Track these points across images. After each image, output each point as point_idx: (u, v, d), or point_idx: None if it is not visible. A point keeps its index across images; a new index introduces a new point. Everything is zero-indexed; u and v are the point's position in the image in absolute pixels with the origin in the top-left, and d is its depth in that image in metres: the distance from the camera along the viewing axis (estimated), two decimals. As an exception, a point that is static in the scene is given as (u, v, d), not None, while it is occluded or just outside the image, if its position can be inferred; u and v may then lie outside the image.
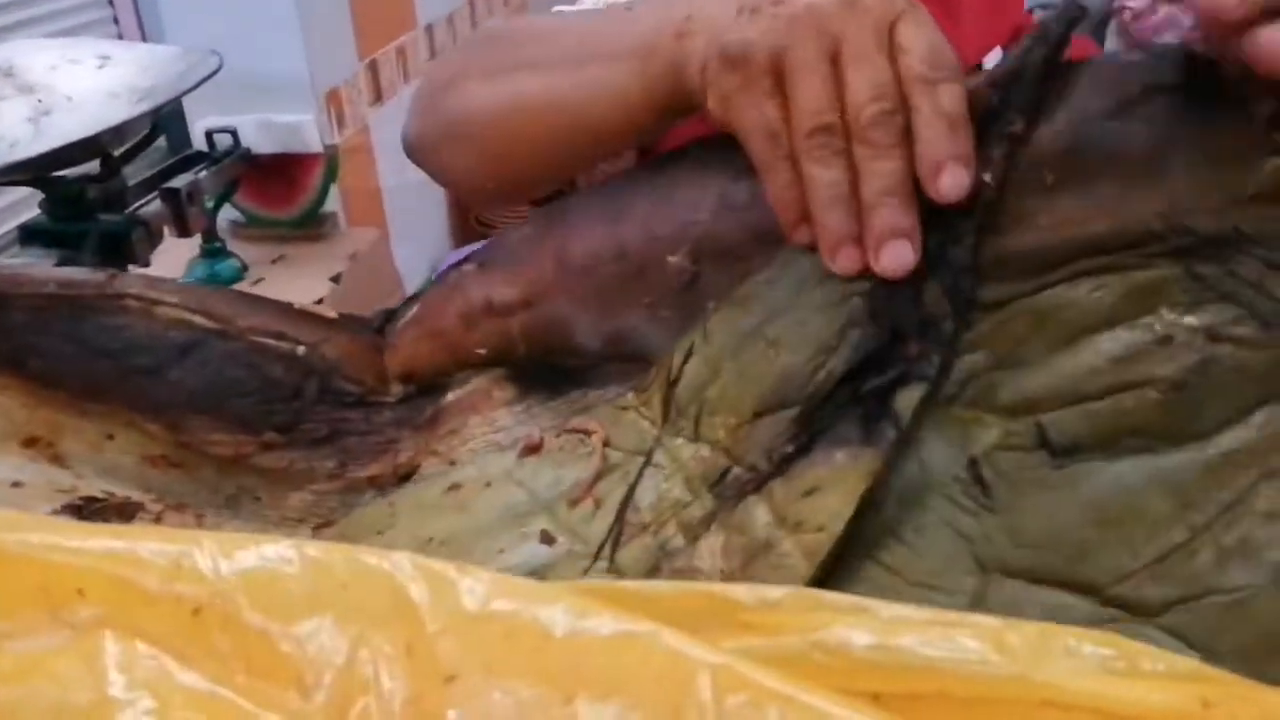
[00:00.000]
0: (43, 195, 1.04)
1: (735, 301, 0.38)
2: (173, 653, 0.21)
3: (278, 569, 0.22)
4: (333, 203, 1.45)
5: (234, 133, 1.28)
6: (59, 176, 1.02)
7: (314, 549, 0.23)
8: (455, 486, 0.42)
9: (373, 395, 0.46)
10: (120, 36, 1.64)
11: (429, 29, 1.99)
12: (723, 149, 0.39)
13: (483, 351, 0.44)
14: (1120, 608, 0.31)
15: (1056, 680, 0.22)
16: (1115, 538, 0.31)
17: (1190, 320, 0.32)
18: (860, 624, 0.24)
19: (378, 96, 1.73)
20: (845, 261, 0.35)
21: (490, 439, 0.44)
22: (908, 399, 0.34)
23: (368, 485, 0.45)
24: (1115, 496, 0.32)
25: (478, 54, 0.59)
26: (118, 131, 1.01)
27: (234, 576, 0.22)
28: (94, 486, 0.44)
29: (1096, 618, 0.31)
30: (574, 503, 0.39)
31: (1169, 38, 2.00)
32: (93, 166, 1.04)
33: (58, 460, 0.44)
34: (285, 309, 0.47)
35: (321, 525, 0.44)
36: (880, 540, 0.34)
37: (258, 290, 1.30)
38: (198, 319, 0.45)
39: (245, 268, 1.34)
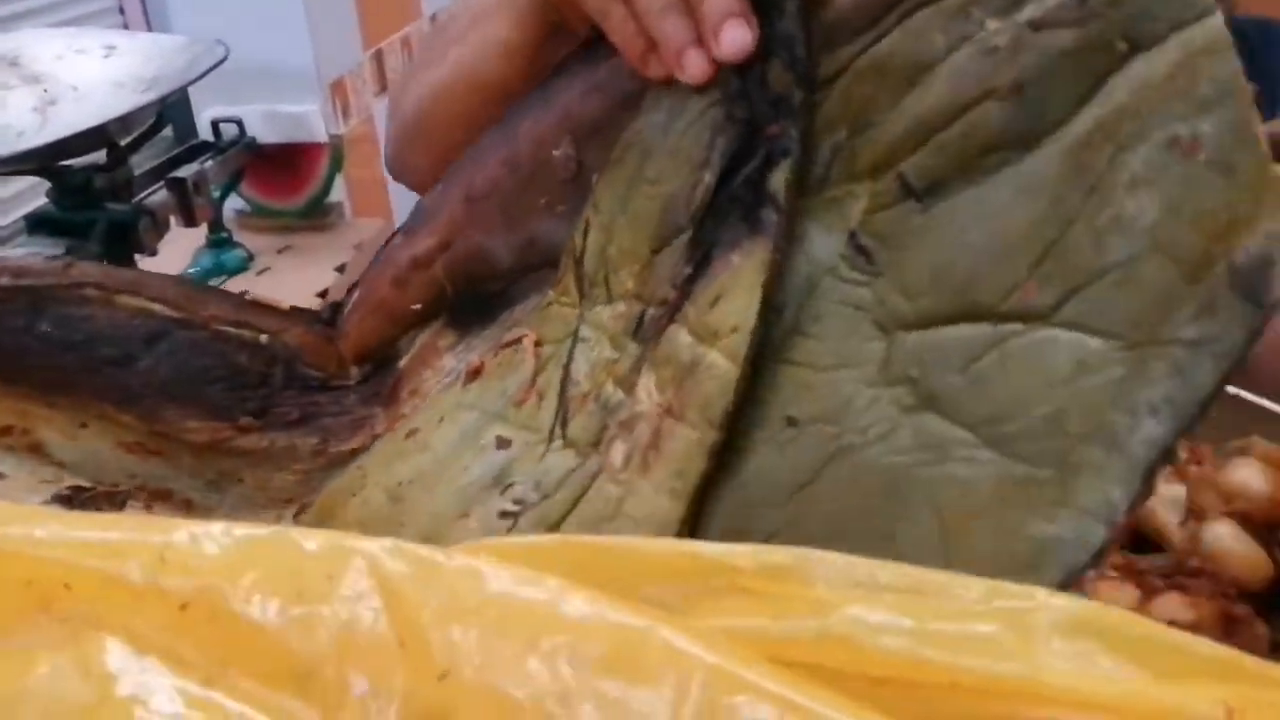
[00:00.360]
0: (49, 184, 1.04)
1: (613, 163, 0.41)
2: (165, 650, 0.21)
3: (261, 559, 0.22)
4: (338, 193, 1.45)
5: (240, 122, 1.27)
6: (65, 166, 1.02)
7: (298, 535, 0.22)
8: (413, 432, 0.43)
9: (335, 380, 0.47)
10: (125, 26, 1.64)
11: (434, 18, 1.98)
12: (589, 50, 0.43)
13: (417, 306, 0.47)
14: (1017, 320, 0.31)
15: (1073, 678, 0.22)
16: (995, 256, 0.32)
17: (1012, 19, 0.32)
18: (870, 604, 0.23)
19: (383, 87, 1.73)
20: (693, 67, 0.37)
21: (443, 384, 0.45)
22: (778, 179, 0.36)
23: (350, 459, 0.45)
24: (986, 218, 0.32)
25: (420, 53, 0.61)
26: (124, 121, 1.01)
27: (219, 569, 0.22)
28: (79, 475, 0.44)
29: (996, 338, 0.32)
30: (519, 403, 0.41)
31: None
32: (99, 156, 1.04)
33: (36, 449, 0.44)
34: (238, 299, 0.49)
35: (307, 506, 0.44)
36: (787, 342, 0.35)
37: (264, 280, 1.30)
38: (158, 308, 0.46)
39: (251, 257, 1.33)
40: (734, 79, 0.37)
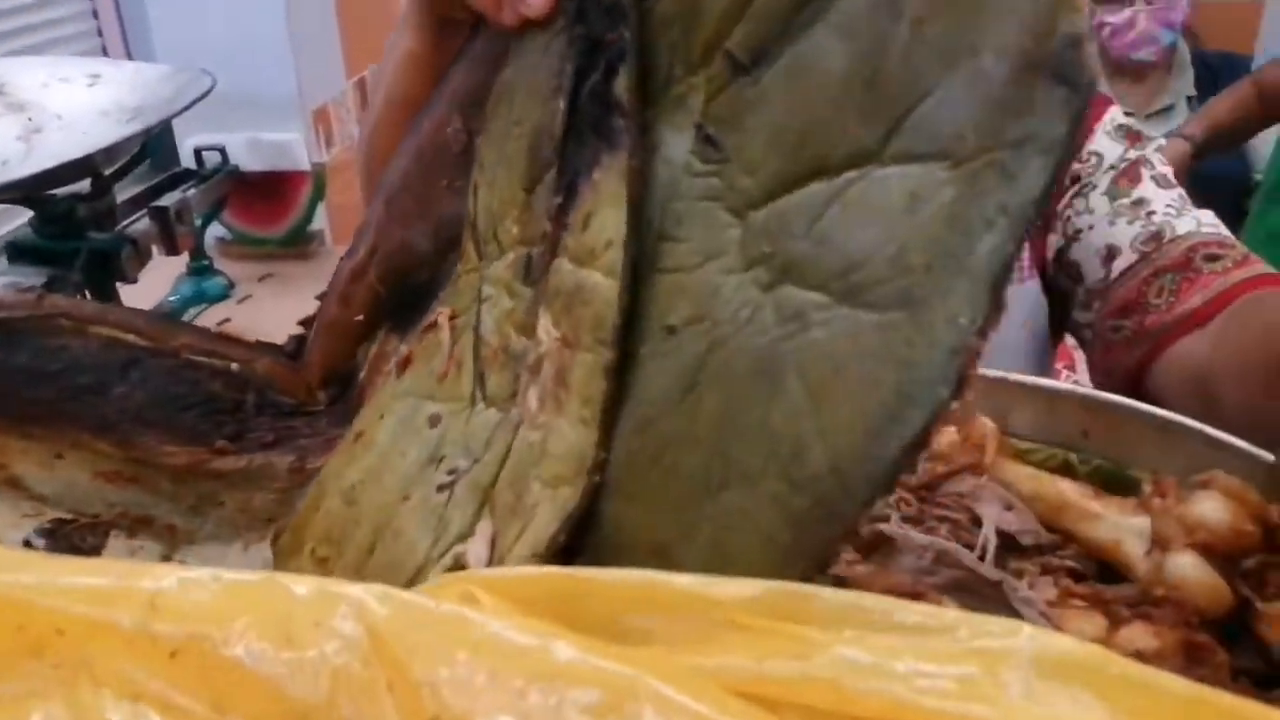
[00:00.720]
0: (32, 213, 1.04)
1: (488, 119, 0.42)
2: (159, 696, 0.21)
3: (250, 605, 0.22)
4: (320, 221, 1.45)
5: (222, 150, 1.28)
6: (49, 195, 1.02)
7: (286, 581, 0.23)
8: (360, 434, 0.44)
9: (307, 406, 0.48)
10: (104, 50, 1.64)
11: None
12: (470, 36, 0.44)
13: (360, 318, 0.47)
14: (851, 168, 0.31)
15: None
16: (822, 109, 0.32)
17: None
18: (856, 645, 0.24)
19: (366, 113, 1.73)
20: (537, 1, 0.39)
21: (382, 383, 0.46)
22: (620, 85, 0.36)
23: None
24: (810, 72, 0.32)
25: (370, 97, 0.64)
26: (109, 151, 1.01)
27: (209, 615, 0.22)
28: (59, 507, 0.44)
29: (834, 191, 0.31)
30: (442, 377, 0.42)
31: (1145, 54, 2.02)
32: (83, 185, 1.04)
33: (14, 484, 0.45)
34: (204, 331, 0.49)
35: (284, 529, 0.45)
36: (658, 250, 0.35)
37: (245, 308, 1.30)
38: (130, 337, 0.46)
39: (232, 285, 1.33)
40: (573, 2, 0.38)
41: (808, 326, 0.31)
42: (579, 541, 0.35)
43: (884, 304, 0.29)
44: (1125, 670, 0.23)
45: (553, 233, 0.37)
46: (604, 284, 0.35)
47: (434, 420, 0.41)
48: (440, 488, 0.39)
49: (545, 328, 0.37)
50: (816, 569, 0.29)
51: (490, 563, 0.36)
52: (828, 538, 0.29)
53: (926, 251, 0.29)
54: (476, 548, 0.36)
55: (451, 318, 0.43)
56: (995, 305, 0.27)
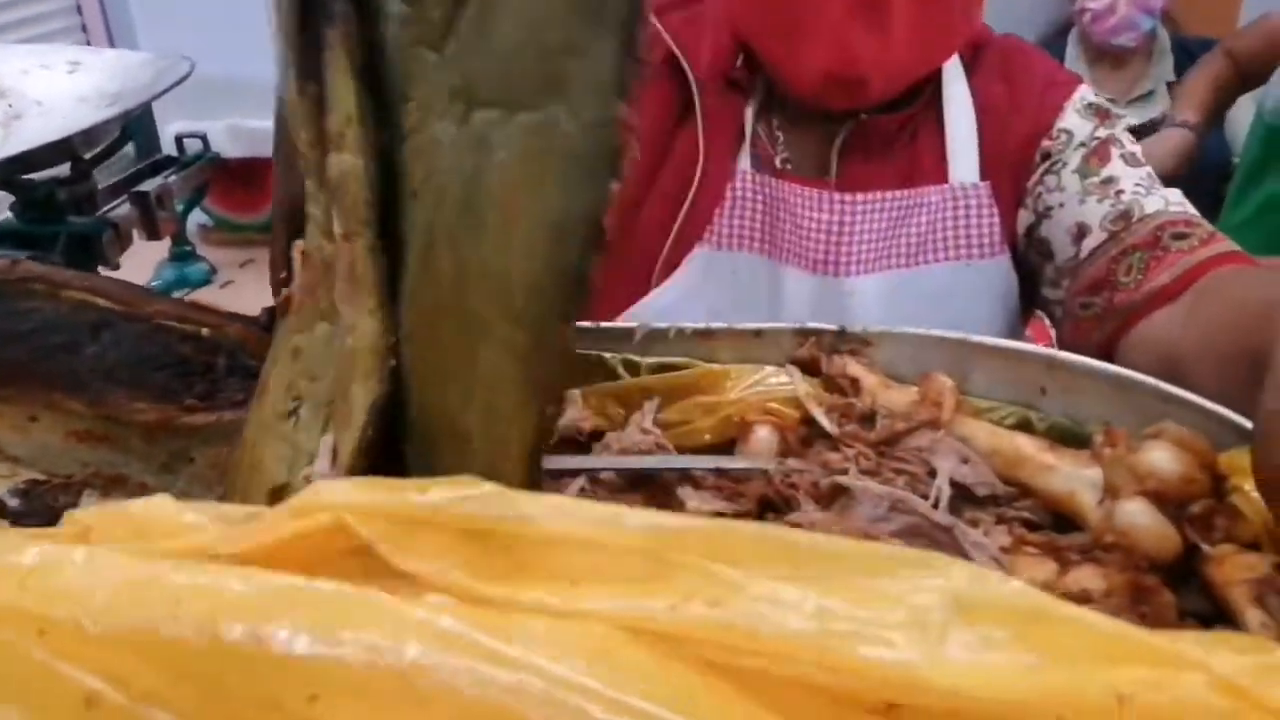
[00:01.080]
0: (12, 198, 1.05)
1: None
2: (40, 665, 0.21)
3: (120, 580, 0.23)
4: (303, 207, 1.46)
5: (203, 137, 1.28)
6: (29, 179, 1.02)
7: (159, 555, 0.23)
8: (264, 387, 0.44)
9: None
10: (88, 43, 1.64)
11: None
12: None
13: (283, 275, 0.47)
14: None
15: (965, 673, 0.22)
16: None
17: None
18: (773, 585, 0.23)
19: (350, 102, 1.73)
20: None
21: None
22: None
23: None
24: None
25: None
26: (88, 135, 1.01)
27: (75, 592, 0.22)
28: (32, 469, 0.44)
29: None
30: (299, 308, 0.41)
31: (1125, 40, 2.03)
32: (63, 169, 1.04)
33: None
34: (177, 300, 0.50)
35: None
36: (401, 116, 0.35)
37: (227, 293, 1.30)
38: (102, 301, 0.47)
39: (214, 271, 1.34)
40: None
41: (491, 149, 0.30)
42: (396, 432, 0.34)
43: (538, 100, 0.29)
44: (1049, 608, 0.23)
45: (317, 127, 0.37)
46: (353, 163, 0.34)
47: (296, 353, 0.41)
48: (288, 415, 0.39)
49: (336, 226, 0.36)
50: (552, 403, 0.29)
51: (331, 474, 0.36)
52: (550, 367, 0.29)
53: (562, 27, 0.28)
54: (321, 463, 0.36)
55: (304, 253, 0.42)
56: (633, 62, 0.27)
